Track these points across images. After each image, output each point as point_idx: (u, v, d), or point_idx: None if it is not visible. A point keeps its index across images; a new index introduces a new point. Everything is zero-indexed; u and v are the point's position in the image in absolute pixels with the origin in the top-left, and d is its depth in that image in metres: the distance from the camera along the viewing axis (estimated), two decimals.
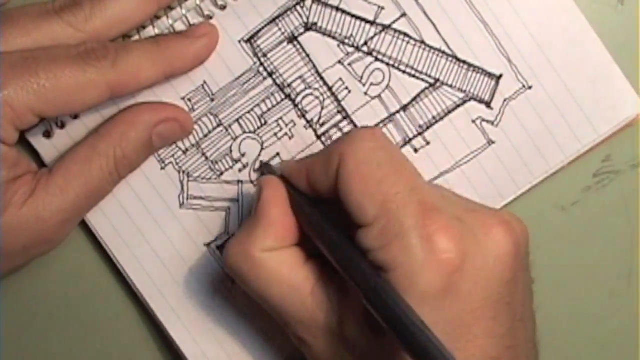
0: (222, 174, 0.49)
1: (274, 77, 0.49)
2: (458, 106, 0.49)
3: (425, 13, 0.48)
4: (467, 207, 0.44)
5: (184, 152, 0.49)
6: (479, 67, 0.49)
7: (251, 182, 0.50)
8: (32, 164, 0.48)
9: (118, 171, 0.47)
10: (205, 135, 0.49)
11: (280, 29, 0.48)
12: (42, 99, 0.45)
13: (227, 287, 0.50)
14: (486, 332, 0.41)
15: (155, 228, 0.49)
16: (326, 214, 0.44)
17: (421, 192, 0.42)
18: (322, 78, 0.49)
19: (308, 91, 0.49)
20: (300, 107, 0.49)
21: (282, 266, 0.44)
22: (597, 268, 0.51)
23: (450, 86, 0.49)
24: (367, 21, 0.48)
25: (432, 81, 0.49)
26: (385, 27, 0.48)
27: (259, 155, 0.49)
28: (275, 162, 0.49)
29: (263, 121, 0.49)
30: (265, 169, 0.49)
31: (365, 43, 0.49)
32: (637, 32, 0.49)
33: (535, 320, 0.45)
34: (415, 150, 0.49)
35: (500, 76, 0.49)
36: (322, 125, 0.49)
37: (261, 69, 0.49)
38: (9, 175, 0.46)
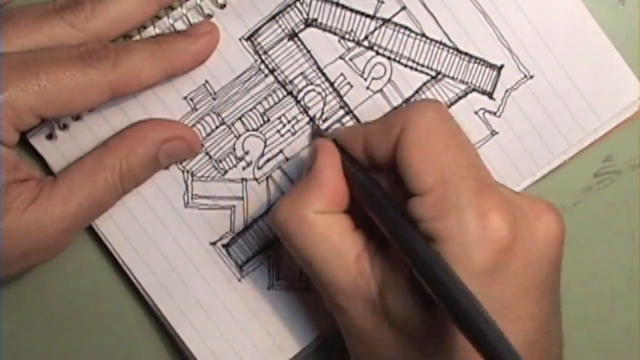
0: (226, 172, 0.49)
1: (275, 74, 0.49)
2: (460, 98, 0.49)
3: (425, 5, 0.48)
4: (518, 193, 0.44)
5: None
6: (480, 58, 0.49)
7: (255, 179, 0.49)
8: (34, 169, 0.48)
9: (122, 185, 0.47)
10: (208, 134, 0.49)
11: (280, 26, 0.48)
12: (42, 99, 0.45)
13: (234, 285, 0.50)
14: (528, 315, 0.42)
15: (160, 228, 0.49)
16: (378, 183, 0.44)
17: (479, 169, 0.43)
18: (323, 74, 0.49)
19: (310, 87, 0.49)
20: (302, 103, 0.49)
21: (331, 229, 0.44)
22: (598, 268, 0.51)
23: (452, 78, 0.49)
24: (367, 15, 0.48)
25: (433, 74, 0.49)
26: (386, 21, 0.48)
27: (262, 153, 0.49)
28: (276, 161, 0.49)
29: (266, 118, 0.49)
30: (317, 133, 0.49)
31: (366, 37, 0.49)
32: (637, 31, 0.49)
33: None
34: None
35: (502, 66, 0.49)
36: (324, 121, 0.49)
37: (262, 66, 0.49)
38: (9, 177, 0.46)
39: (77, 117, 0.49)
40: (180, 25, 0.48)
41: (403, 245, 0.42)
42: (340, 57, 0.49)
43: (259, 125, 0.49)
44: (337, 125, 0.49)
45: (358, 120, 0.49)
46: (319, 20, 0.48)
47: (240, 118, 0.49)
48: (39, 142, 0.49)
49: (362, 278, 0.44)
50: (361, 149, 0.45)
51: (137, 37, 0.48)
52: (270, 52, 0.49)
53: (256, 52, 0.49)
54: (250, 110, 0.49)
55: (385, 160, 0.44)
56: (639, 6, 0.49)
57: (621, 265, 0.50)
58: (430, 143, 0.43)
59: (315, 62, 0.49)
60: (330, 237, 0.44)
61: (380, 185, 0.44)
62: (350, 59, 0.49)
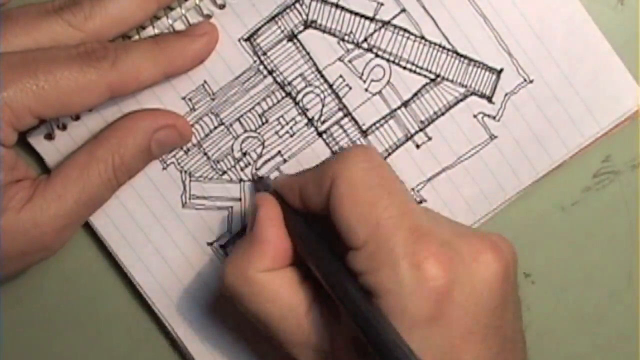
0: (224, 173, 0.49)
1: (274, 75, 0.49)
2: (459, 101, 0.49)
3: (424, 8, 0.48)
4: (456, 232, 0.43)
5: (186, 152, 0.49)
6: (479, 61, 0.48)
7: (253, 180, 0.50)
8: (30, 169, 0.48)
9: (116, 178, 0.47)
10: (207, 135, 0.49)
11: (279, 27, 0.48)
12: (41, 100, 0.45)
13: None
14: (476, 357, 0.41)
15: (158, 228, 0.50)
16: (320, 233, 0.44)
17: (412, 216, 0.42)
18: (322, 75, 0.49)
19: (309, 89, 0.49)
20: (301, 105, 0.49)
21: (279, 286, 0.44)
22: (597, 268, 0.51)
23: (451, 81, 0.49)
24: (366, 17, 0.48)
25: (432, 76, 0.49)
26: (385, 23, 0.48)
27: (261, 154, 0.49)
28: (275, 162, 0.49)
29: (264, 119, 0.49)
30: (259, 184, 0.49)
31: (365, 39, 0.48)
32: (637, 32, 0.49)
33: (525, 341, 0.44)
34: (417, 146, 0.49)
35: (501, 70, 0.48)
36: (323, 122, 0.49)
37: (261, 67, 0.49)
38: (7, 178, 0.46)
39: (76, 117, 0.49)
40: (179, 26, 0.48)
41: (341, 301, 0.42)
42: (340, 59, 0.49)
43: (257, 126, 0.49)
44: (336, 127, 0.49)
45: (356, 122, 0.49)
46: (318, 21, 0.48)
47: (238, 119, 0.49)
48: (38, 142, 0.49)
49: (314, 332, 0.44)
50: (298, 199, 0.45)
51: (136, 37, 0.48)
52: (269, 53, 0.49)
53: (255, 53, 0.49)
54: (249, 111, 0.49)
55: (321, 212, 0.44)
56: (639, 6, 0.49)
57: (621, 265, 0.50)
58: (360, 195, 0.42)
59: (314, 63, 0.49)
60: (279, 294, 0.44)
61: (321, 237, 0.44)
62: (350, 61, 0.49)
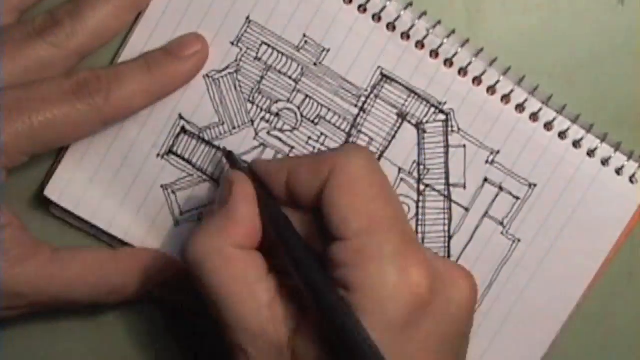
0: (251, 103, 0.49)
1: (361, 114, 0.49)
2: None
3: (476, 229, 0.50)
4: (434, 254, 0.45)
5: (255, 58, 0.49)
6: None
7: (256, 133, 0.49)
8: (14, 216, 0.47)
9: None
10: (279, 72, 0.49)
11: (405, 100, 0.49)
12: (35, 141, 0.45)
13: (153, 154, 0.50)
14: None
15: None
16: (290, 222, 0.43)
17: (404, 224, 0.43)
18: (379, 158, 0.49)
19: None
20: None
21: (248, 266, 0.43)
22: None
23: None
24: (447, 178, 0.50)
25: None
26: (448, 198, 0.50)
27: (282, 129, 0.49)
28: (279, 144, 0.49)
29: (316, 121, 0.49)
30: (230, 159, 0.48)
31: (427, 186, 0.50)
32: (636, 32, 0.49)
33: None
34: None
35: None
36: None
37: (363, 99, 0.49)
38: None
39: None
40: None
41: (313, 293, 0.41)
42: (400, 169, 0.49)
43: (307, 117, 0.49)
44: None
45: None
46: (425, 135, 0.49)
47: (307, 97, 0.49)
48: None
49: (272, 323, 0.42)
50: (283, 183, 0.44)
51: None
52: (378, 101, 0.49)
53: (373, 87, 0.49)
54: (318, 104, 0.49)
55: (308, 200, 0.43)
56: (639, 6, 0.49)
57: (621, 265, 0.51)
58: (359, 190, 0.42)
59: (387, 147, 0.49)
60: (246, 273, 0.43)
61: (292, 225, 0.43)
62: (402, 179, 0.49)
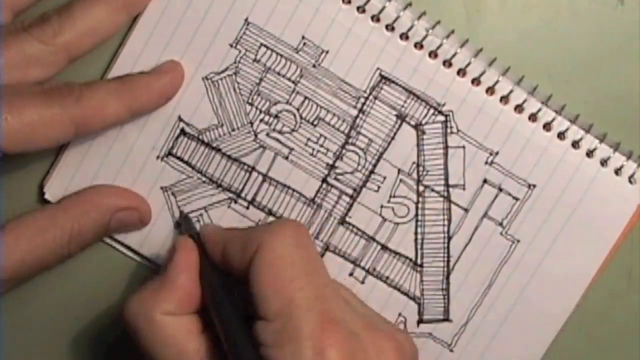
0: (250, 105, 0.49)
1: (360, 115, 0.49)
2: (407, 295, 0.50)
3: (475, 229, 0.50)
4: (367, 323, 0.44)
5: (254, 60, 0.49)
6: (449, 298, 0.50)
7: (255, 135, 0.49)
8: None
9: (69, 247, 0.47)
10: (278, 73, 0.49)
11: (405, 102, 0.49)
12: (5, 135, 0.44)
13: (153, 156, 0.50)
14: None
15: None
16: (231, 291, 0.45)
17: (326, 302, 0.43)
18: (378, 160, 0.49)
19: (360, 153, 0.49)
20: (343, 152, 0.49)
21: (177, 332, 0.45)
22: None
23: (421, 281, 0.50)
24: (446, 179, 0.49)
25: (419, 262, 0.50)
26: (447, 199, 0.50)
27: (281, 131, 0.49)
28: (278, 146, 0.49)
29: (315, 122, 0.49)
30: (184, 223, 0.49)
31: (426, 187, 0.49)
32: (636, 32, 0.49)
33: None
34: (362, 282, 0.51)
35: (449, 320, 0.50)
36: (335, 179, 0.50)
37: (362, 100, 0.49)
38: None
39: None
40: None
41: (233, 355, 0.42)
42: (399, 170, 0.49)
43: (306, 118, 0.49)
44: (336, 192, 0.50)
45: (349, 209, 0.50)
46: (425, 137, 0.49)
47: (306, 98, 0.49)
48: None
49: None
50: (220, 255, 0.46)
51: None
52: (377, 102, 0.49)
53: (372, 89, 0.49)
54: (317, 105, 0.49)
55: (240, 274, 0.44)
56: (639, 6, 0.49)
57: (621, 265, 0.51)
58: (280, 270, 0.43)
59: (386, 148, 0.49)
60: (176, 339, 0.44)
61: (232, 296, 0.44)
62: (401, 180, 0.49)
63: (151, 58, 0.49)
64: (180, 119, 0.50)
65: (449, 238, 0.50)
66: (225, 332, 0.43)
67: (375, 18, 0.49)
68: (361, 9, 0.49)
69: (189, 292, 0.45)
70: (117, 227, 0.49)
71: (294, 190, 0.50)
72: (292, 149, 0.50)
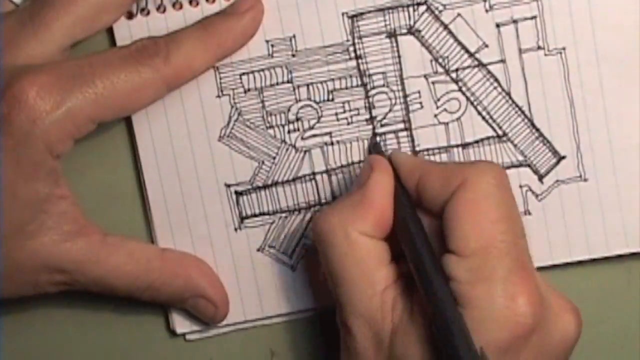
0: (270, 127, 0.49)
1: (360, 61, 0.49)
2: (513, 166, 0.50)
3: (523, 69, 0.49)
4: (547, 284, 0.44)
5: (245, 91, 0.49)
6: (548, 140, 0.49)
7: (294, 147, 0.50)
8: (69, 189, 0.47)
9: (143, 294, 0.48)
10: (272, 85, 0.49)
11: (385, 21, 0.49)
12: (100, 106, 0.45)
13: (230, 232, 0.50)
14: None
15: (187, 152, 0.50)
16: (421, 224, 0.44)
17: (522, 249, 0.43)
18: (402, 83, 0.49)
19: (384, 89, 0.49)
20: (370, 100, 0.49)
21: (370, 255, 0.44)
22: (597, 268, 0.51)
23: (515, 145, 0.49)
24: (467, 51, 0.49)
25: (500, 133, 0.49)
26: (481, 64, 0.49)
27: (312, 126, 0.49)
28: (321, 140, 0.49)
29: (331, 97, 0.49)
30: (374, 149, 0.49)
31: (457, 70, 0.49)
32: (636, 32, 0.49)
33: None
34: None
35: (563, 157, 0.49)
36: (382, 125, 0.50)
37: (351, 48, 0.49)
38: (52, 191, 0.45)
39: (161, 9, 0.49)
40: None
41: (430, 297, 0.42)
42: (425, 76, 0.49)
43: (321, 100, 0.49)
44: (392, 135, 0.49)
45: (412, 140, 0.50)
46: (422, 33, 0.49)
47: (308, 85, 0.49)
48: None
49: (381, 312, 0.43)
50: (414, 183, 0.45)
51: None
52: (364, 40, 0.49)
53: (352, 33, 0.49)
54: (321, 83, 0.49)
55: (434, 206, 0.44)
56: (639, 6, 0.48)
57: (621, 265, 0.50)
58: (483, 210, 0.42)
59: (401, 68, 0.49)
60: (368, 262, 0.43)
61: (423, 228, 0.44)
62: (433, 83, 0.49)
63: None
64: (227, 186, 0.50)
65: (508, 93, 0.50)
66: (416, 263, 0.43)
67: None
68: None
69: (385, 215, 0.44)
70: (189, 307, 0.49)
71: (359, 162, 0.50)
72: (330, 133, 0.50)
